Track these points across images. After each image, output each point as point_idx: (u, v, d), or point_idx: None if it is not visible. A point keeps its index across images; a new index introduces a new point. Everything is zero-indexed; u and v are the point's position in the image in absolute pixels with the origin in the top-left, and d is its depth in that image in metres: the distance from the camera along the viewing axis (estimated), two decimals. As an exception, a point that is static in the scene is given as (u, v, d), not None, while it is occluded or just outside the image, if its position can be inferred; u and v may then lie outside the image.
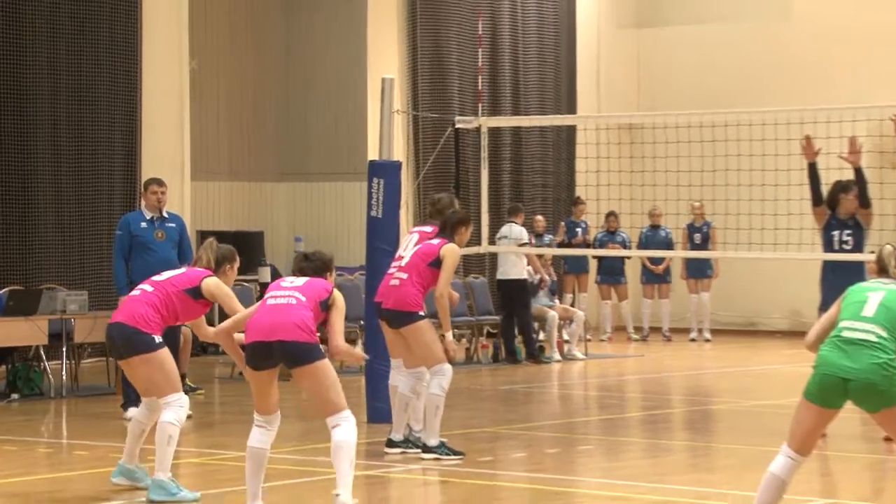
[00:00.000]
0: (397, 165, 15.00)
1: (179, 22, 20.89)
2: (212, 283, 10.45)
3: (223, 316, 10.64)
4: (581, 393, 18.84)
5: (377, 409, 13.98)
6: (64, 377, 17.00)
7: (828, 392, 8.16)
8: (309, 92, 24.19)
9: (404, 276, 12.16)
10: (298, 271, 9.83)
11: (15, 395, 16.51)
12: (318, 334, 9.65)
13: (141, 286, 10.63)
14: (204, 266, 10.58)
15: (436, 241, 12.26)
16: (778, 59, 25.54)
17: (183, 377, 16.59)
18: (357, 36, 23.63)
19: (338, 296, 9.60)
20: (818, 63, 25.00)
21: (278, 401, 9.68)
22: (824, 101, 21.70)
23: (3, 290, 17.46)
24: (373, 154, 15.93)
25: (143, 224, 15.10)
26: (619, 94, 26.87)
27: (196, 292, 10.46)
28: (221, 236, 23.05)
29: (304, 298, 9.51)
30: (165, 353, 10.37)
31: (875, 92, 22.58)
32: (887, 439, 12.71)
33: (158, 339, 10.34)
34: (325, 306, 9.55)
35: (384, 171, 14.61)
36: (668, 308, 24.97)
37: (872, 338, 8.10)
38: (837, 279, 13.05)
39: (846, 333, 8.20)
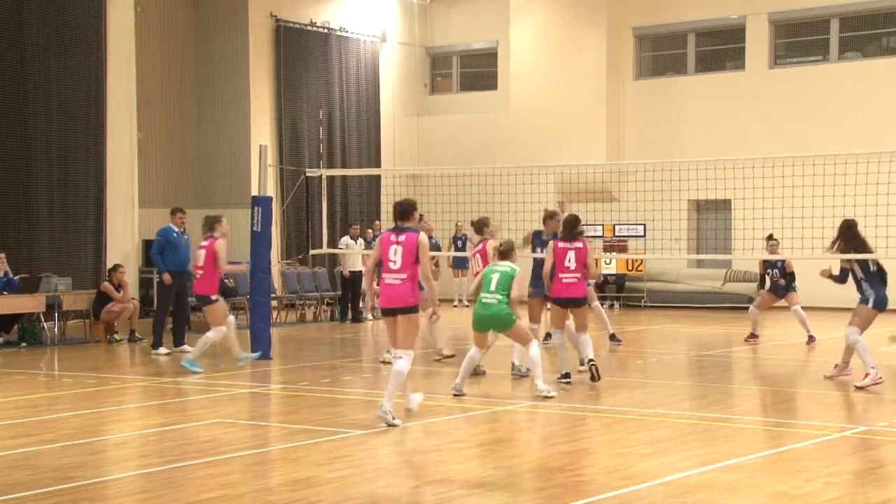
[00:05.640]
0: (270, 199, 14.86)
1: (130, 107, 20.18)
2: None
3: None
4: (384, 340, 18.63)
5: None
6: (55, 332, 16.60)
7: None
8: (214, 153, 23.64)
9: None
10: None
11: (24, 344, 16.10)
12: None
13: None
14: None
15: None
16: (502, 136, 25.62)
17: (132, 332, 16.27)
18: (244, 119, 23.21)
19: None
20: (524, 137, 25.11)
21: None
22: (528, 161, 21.88)
23: (17, 276, 16.93)
24: (255, 191, 15.75)
25: (174, 234, 15.26)
26: (406, 156, 26.78)
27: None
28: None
29: None
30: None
31: (559, 156, 22.91)
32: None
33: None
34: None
35: (261, 202, 14.47)
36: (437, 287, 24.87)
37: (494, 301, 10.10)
38: (537, 269, 13.30)
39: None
